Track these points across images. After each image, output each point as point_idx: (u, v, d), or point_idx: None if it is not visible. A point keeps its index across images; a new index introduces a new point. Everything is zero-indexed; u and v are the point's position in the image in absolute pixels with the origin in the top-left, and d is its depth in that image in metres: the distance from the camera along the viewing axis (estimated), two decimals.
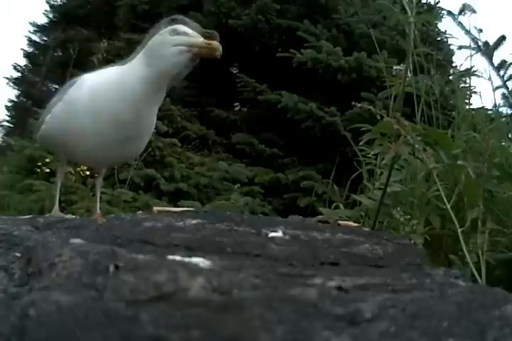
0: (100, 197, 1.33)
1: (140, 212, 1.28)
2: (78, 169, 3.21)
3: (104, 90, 1.10)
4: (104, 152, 1.15)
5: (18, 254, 0.70)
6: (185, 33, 1.05)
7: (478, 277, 0.97)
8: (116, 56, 4.56)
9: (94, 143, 1.12)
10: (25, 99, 8.98)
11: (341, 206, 1.73)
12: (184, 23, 1.06)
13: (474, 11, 1.72)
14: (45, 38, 9.07)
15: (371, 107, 1.10)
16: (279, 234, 0.79)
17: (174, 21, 1.08)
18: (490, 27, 1.92)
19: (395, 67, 2.12)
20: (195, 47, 1.04)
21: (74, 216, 1.23)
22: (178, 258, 0.57)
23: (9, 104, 9.05)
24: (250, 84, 4.46)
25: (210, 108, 4.79)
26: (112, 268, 0.51)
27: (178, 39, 1.04)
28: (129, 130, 1.11)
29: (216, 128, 4.73)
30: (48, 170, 3.38)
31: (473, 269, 0.97)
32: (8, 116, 9.04)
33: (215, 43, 1.03)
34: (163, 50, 1.05)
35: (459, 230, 0.98)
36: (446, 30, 4.79)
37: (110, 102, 1.08)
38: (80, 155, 1.20)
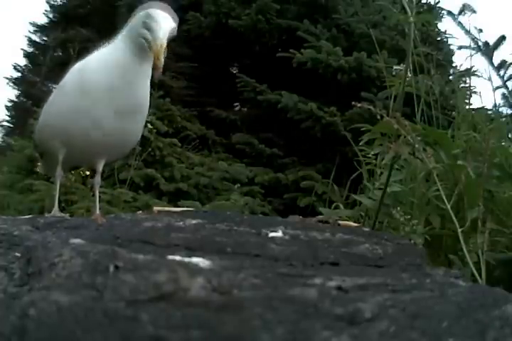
0: (99, 197, 1.32)
1: (140, 212, 1.27)
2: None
3: (90, 65, 1.19)
4: (103, 131, 1.16)
5: (18, 254, 0.70)
6: (151, 31, 1.10)
7: (478, 277, 0.97)
8: None
9: (91, 121, 1.14)
10: (25, 99, 8.95)
11: (341, 206, 1.73)
12: (157, 15, 1.12)
13: (474, 11, 1.72)
14: (45, 38, 9.04)
15: (371, 107, 1.10)
16: (279, 234, 0.79)
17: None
18: (490, 27, 1.92)
19: (395, 67, 2.12)
20: (151, 51, 1.11)
21: (65, 214, 1.23)
22: (178, 258, 0.57)
23: (9, 104, 9.03)
24: (250, 84, 4.45)
25: (210, 108, 4.78)
26: (111, 268, 0.51)
27: (144, 33, 1.11)
28: (122, 99, 1.15)
29: (216, 128, 4.72)
30: None
31: (473, 269, 0.97)
32: (8, 116, 9.01)
33: (158, 62, 1.09)
34: (135, 34, 1.14)
35: (459, 230, 0.98)
36: (446, 30, 4.80)
37: (98, 75, 1.15)
38: (78, 140, 1.20)
